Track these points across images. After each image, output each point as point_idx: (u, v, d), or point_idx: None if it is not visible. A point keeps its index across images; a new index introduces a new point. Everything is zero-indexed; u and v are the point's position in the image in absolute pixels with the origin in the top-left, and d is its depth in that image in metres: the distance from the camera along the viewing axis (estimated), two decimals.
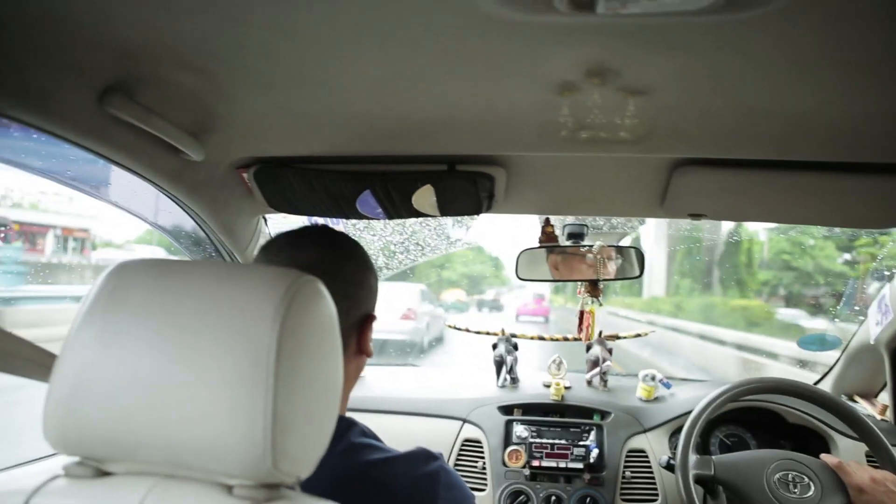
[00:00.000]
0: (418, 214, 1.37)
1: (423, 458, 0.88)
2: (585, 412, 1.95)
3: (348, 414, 0.92)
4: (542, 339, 2.33)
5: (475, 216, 1.40)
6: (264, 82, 0.97)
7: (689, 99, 0.95)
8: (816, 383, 2.11)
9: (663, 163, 1.20)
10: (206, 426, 0.53)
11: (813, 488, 1.44)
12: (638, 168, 1.24)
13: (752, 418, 1.92)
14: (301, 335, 0.57)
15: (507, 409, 1.95)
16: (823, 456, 1.51)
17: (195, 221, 1.43)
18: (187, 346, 0.54)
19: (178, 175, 1.23)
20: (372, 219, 1.41)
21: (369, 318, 0.97)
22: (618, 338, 2.18)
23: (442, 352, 13.34)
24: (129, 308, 0.57)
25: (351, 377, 0.97)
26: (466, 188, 1.27)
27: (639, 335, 2.32)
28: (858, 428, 1.54)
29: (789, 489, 1.44)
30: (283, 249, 0.93)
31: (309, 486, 0.63)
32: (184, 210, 1.39)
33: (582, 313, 1.78)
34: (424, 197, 1.29)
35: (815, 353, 2.30)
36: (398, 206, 1.34)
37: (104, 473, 0.57)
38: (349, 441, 0.87)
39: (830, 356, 2.15)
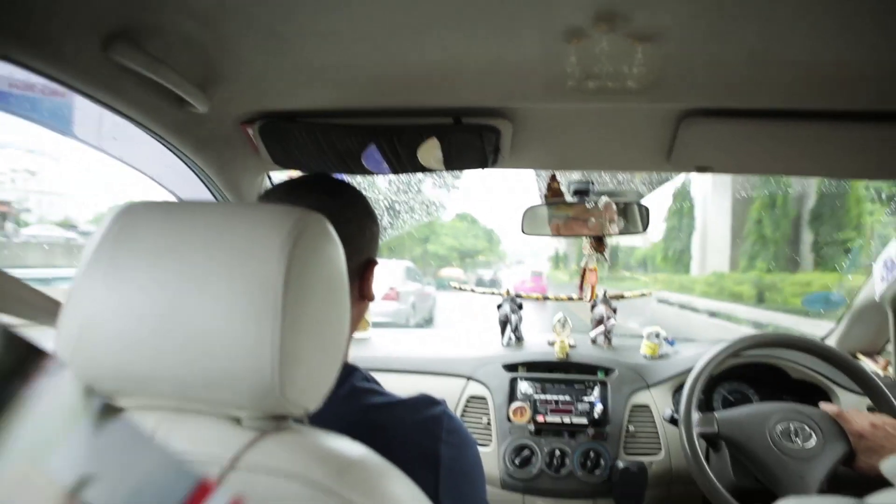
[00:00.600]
0: (423, 169, 1.36)
1: (425, 403, 0.89)
2: (589, 369, 1.97)
3: None
4: (546, 298, 2.34)
5: (481, 169, 1.40)
6: (270, 34, 0.96)
7: (698, 45, 0.93)
8: (822, 340, 2.12)
9: (670, 113, 1.19)
10: (216, 358, 0.54)
11: (815, 437, 1.45)
12: (644, 120, 1.23)
13: (756, 374, 1.93)
14: (308, 269, 0.57)
15: (511, 367, 1.98)
16: (823, 405, 1.52)
17: (200, 179, 1.43)
18: (195, 282, 0.55)
19: (183, 128, 1.23)
20: (377, 174, 1.40)
21: (371, 263, 0.99)
22: (622, 297, 2.18)
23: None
24: (136, 248, 0.57)
25: (354, 321, 0.98)
26: (472, 142, 1.26)
27: (643, 294, 2.32)
28: (859, 379, 1.55)
29: (791, 440, 1.46)
30: (282, 198, 0.94)
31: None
32: (189, 167, 1.39)
33: (584, 271, 1.78)
34: (430, 151, 1.28)
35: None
36: (403, 161, 1.33)
37: None
38: (352, 385, 0.88)
39: None
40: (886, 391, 1.49)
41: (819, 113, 1.14)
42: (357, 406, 0.86)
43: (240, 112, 1.26)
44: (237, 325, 0.54)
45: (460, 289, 2.40)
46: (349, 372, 0.90)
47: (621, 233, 1.63)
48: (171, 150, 1.29)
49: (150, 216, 0.60)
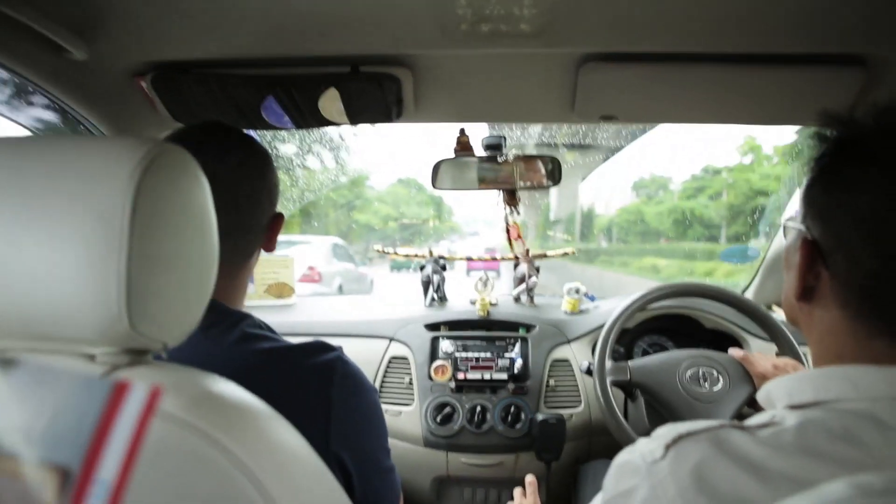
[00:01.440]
0: (327, 122, 1.33)
1: (319, 348, 0.88)
2: (511, 326, 1.98)
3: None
4: (469, 259, 2.34)
5: (385, 122, 1.37)
6: None
7: None
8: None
9: (569, 60, 1.19)
10: (60, 292, 0.52)
11: (721, 381, 1.50)
12: (545, 68, 1.22)
13: (673, 326, 1.98)
14: (161, 201, 0.55)
15: (433, 327, 1.98)
16: (731, 350, 1.57)
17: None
18: (37, 215, 0.52)
19: (63, 77, 1.17)
20: (281, 128, 1.37)
21: (279, 215, 0.99)
22: (545, 256, 2.20)
23: None
24: None
25: (251, 270, 0.99)
26: (372, 91, 1.23)
27: (566, 254, 2.35)
28: (760, 322, 1.60)
29: (700, 384, 1.50)
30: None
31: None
32: (80, 121, 1.33)
33: (509, 228, 1.78)
34: (330, 102, 1.25)
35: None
36: (305, 114, 1.30)
37: None
38: (241, 331, 0.86)
39: None
40: (787, 332, 1.55)
41: (721, 56, 1.14)
42: (246, 351, 0.84)
43: (128, 63, 1.20)
44: (81, 258, 0.51)
45: (384, 252, 2.38)
46: (240, 318, 0.88)
47: (532, 187, 1.64)
48: (54, 102, 1.22)
49: None
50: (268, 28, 1.09)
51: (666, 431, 0.62)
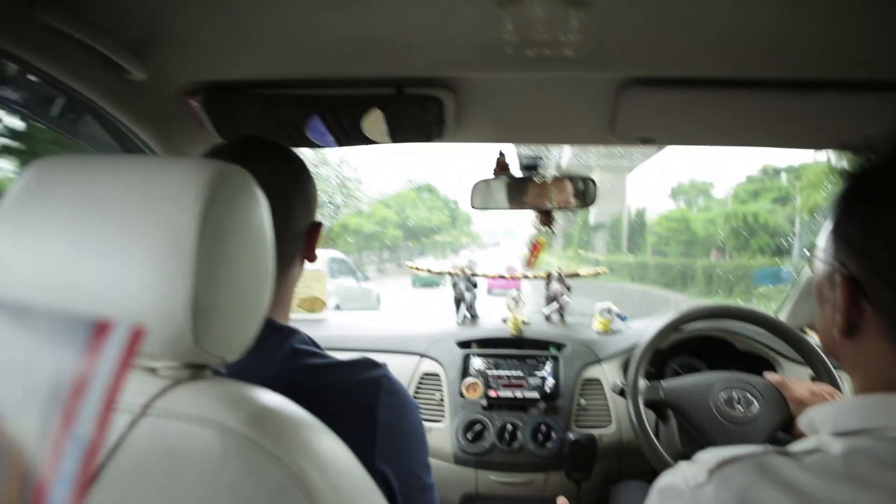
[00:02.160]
0: (369, 141, 1.36)
1: (365, 365, 0.89)
2: (542, 345, 1.99)
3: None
4: (502, 277, 2.35)
5: (427, 142, 1.40)
6: (210, 1, 0.95)
7: (634, 12, 0.94)
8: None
9: (610, 83, 1.20)
10: (127, 307, 0.53)
11: (756, 405, 1.48)
12: (586, 91, 1.24)
13: (705, 348, 1.97)
14: (225, 221, 0.57)
15: (465, 344, 1.99)
16: (766, 374, 1.55)
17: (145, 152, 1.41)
18: (108, 232, 0.54)
19: (120, 97, 1.21)
20: (324, 147, 1.40)
21: (317, 225, 1.00)
22: (577, 275, 2.20)
23: None
24: (48, 201, 0.56)
25: (295, 283, 1.00)
26: (415, 112, 1.26)
27: (597, 273, 2.35)
28: (798, 346, 1.59)
29: (734, 407, 1.49)
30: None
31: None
32: (132, 138, 1.37)
33: (533, 244, 1.79)
34: (374, 122, 1.28)
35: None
36: (348, 133, 1.33)
37: None
38: (290, 346, 0.88)
39: None
40: (823, 357, 1.53)
41: (760, 82, 1.15)
42: (295, 367, 0.86)
43: (181, 82, 1.25)
44: (149, 274, 0.53)
45: (417, 269, 2.39)
46: (289, 333, 0.90)
47: (569, 207, 1.65)
48: (110, 119, 1.26)
49: (65, 170, 0.58)
50: (314, 50, 1.12)
51: (710, 456, 0.62)
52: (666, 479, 0.65)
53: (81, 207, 0.55)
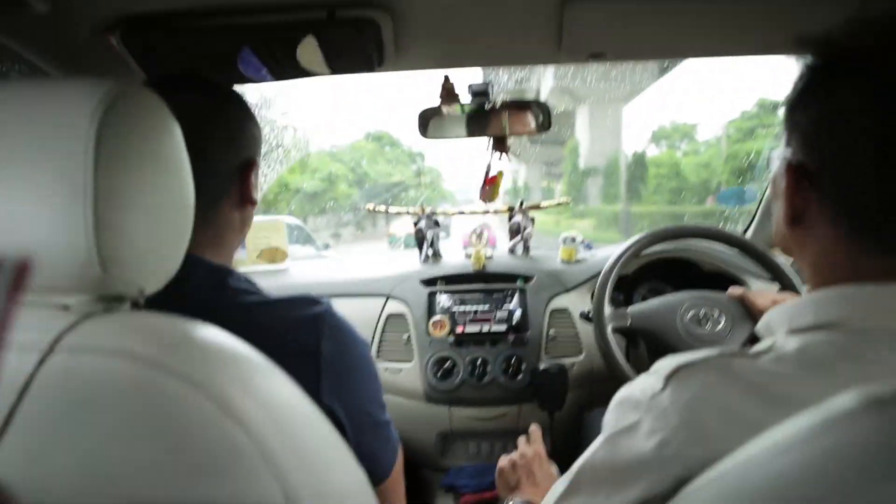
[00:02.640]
0: (307, 73, 1.29)
1: (306, 301, 0.85)
2: (508, 278, 1.96)
3: None
4: (462, 213, 2.31)
5: (367, 72, 1.33)
6: None
7: None
8: None
9: None
10: (29, 240, 0.50)
11: (723, 321, 1.48)
12: (529, 4, 1.18)
13: (672, 271, 1.96)
14: (125, 139, 0.53)
15: (429, 282, 1.96)
16: (730, 289, 1.55)
17: None
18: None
19: (28, 33, 1.12)
20: (260, 81, 1.32)
21: (251, 163, 0.93)
22: (538, 207, 2.17)
23: None
24: None
25: (236, 227, 0.94)
26: (350, 37, 1.19)
27: (559, 204, 2.32)
28: (761, 260, 1.59)
29: (701, 325, 1.49)
30: None
31: None
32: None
33: (490, 176, 1.74)
34: (308, 51, 1.21)
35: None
36: (283, 64, 1.26)
37: None
38: (227, 284, 0.84)
39: None
40: (784, 267, 1.53)
41: None
42: (231, 305, 0.82)
43: (94, 16, 1.15)
44: (47, 203, 0.49)
45: (375, 210, 2.34)
46: (226, 274, 0.86)
47: (522, 133, 1.60)
48: (22, 63, 1.18)
49: None
50: None
51: (665, 364, 0.62)
52: (623, 392, 0.65)
53: None
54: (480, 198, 1.73)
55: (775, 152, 0.69)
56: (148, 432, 0.46)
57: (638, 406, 0.60)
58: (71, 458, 0.45)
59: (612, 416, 0.64)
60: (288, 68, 1.27)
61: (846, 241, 0.59)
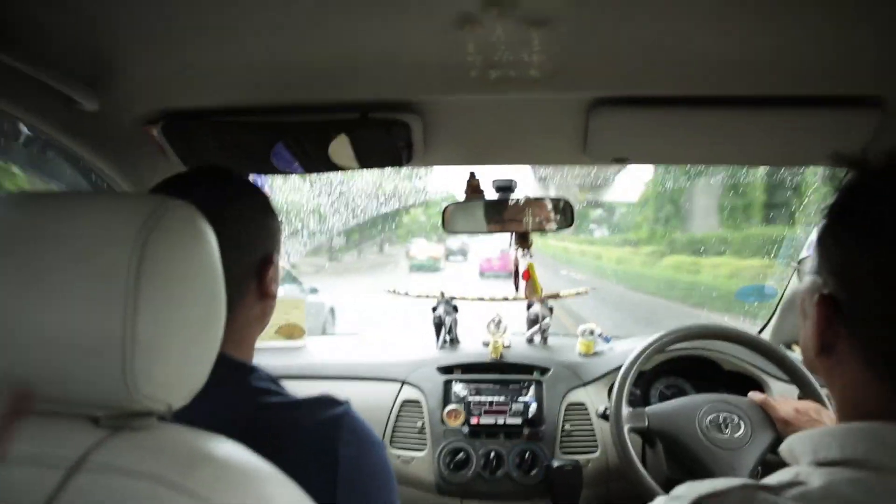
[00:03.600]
0: (336, 167, 1.33)
1: (326, 403, 0.85)
2: (525, 369, 1.94)
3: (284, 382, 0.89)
4: (482, 299, 2.32)
5: (396, 167, 1.37)
6: (158, 31, 0.92)
7: (593, 33, 0.92)
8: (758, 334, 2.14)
9: (579, 103, 1.17)
10: (63, 352, 0.50)
11: (743, 427, 1.46)
12: (555, 111, 1.21)
13: (691, 368, 1.94)
14: (167, 257, 0.54)
15: (446, 370, 1.94)
16: (751, 394, 1.53)
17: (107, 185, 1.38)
18: (41, 276, 0.51)
19: (75, 128, 1.18)
20: (290, 173, 1.37)
21: (269, 258, 0.94)
22: (558, 296, 2.17)
23: None
24: None
25: (254, 321, 0.94)
26: (381, 137, 1.23)
27: (578, 293, 2.32)
28: (782, 365, 1.57)
29: (721, 430, 1.46)
30: (167, 192, 0.89)
31: (202, 427, 0.60)
32: (94, 171, 1.33)
33: (516, 269, 1.75)
34: (340, 148, 1.25)
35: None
36: (314, 159, 1.30)
37: None
38: (249, 385, 0.84)
39: None
40: (808, 374, 1.51)
41: (733, 99, 1.13)
42: (252, 407, 0.82)
43: (137, 111, 1.21)
44: (84, 317, 0.50)
45: (395, 293, 2.35)
46: (248, 372, 0.86)
47: (545, 230, 1.62)
48: (69, 152, 1.23)
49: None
50: (276, 76, 1.10)
51: (685, 492, 0.60)
52: None
53: (10, 247, 0.52)
54: (525, 295, 1.74)
55: (805, 267, 0.68)
56: None
57: None
58: None
59: None
60: (319, 163, 1.31)
61: (878, 383, 0.58)
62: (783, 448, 0.67)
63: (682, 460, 1.47)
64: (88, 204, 0.56)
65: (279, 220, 1.00)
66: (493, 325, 2.00)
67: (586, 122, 1.22)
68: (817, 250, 0.64)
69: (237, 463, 0.55)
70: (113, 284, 0.50)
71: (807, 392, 1.51)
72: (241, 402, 0.82)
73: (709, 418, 1.49)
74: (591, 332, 2.01)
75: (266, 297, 0.94)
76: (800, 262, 0.71)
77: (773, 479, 0.59)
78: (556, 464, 1.65)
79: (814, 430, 0.65)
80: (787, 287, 2.06)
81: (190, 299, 0.57)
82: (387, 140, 1.24)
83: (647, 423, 1.51)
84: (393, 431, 1.82)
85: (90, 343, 0.50)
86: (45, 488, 0.47)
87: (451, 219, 1.61)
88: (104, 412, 0.54)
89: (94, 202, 0.57)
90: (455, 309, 2.12)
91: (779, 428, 1.44)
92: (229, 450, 0.56)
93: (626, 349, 1.87)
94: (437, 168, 1.58)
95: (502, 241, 2.24)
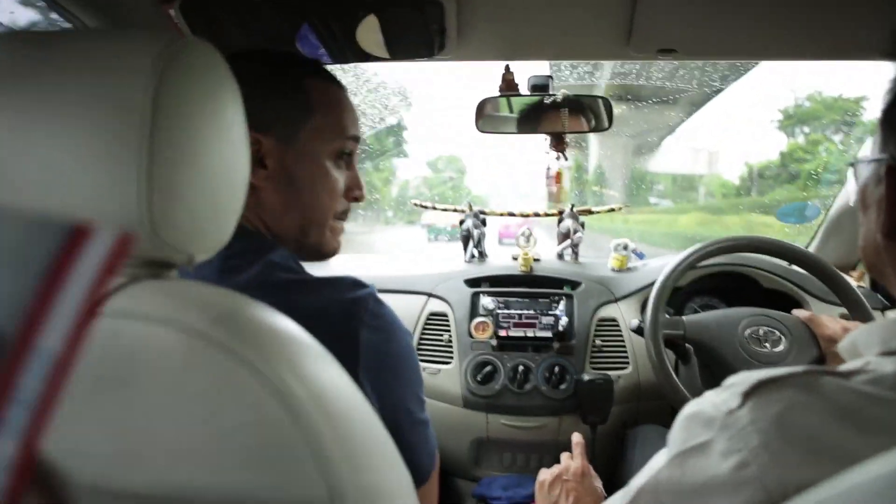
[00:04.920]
0: (366, 57, 1.25)
1: (349, 283, 0.80)
2: (555, 283, 1.89)
3: None
4: (511, 214, 2.24)
5: (428, 59, 1.28)
6: None
7: None
8: None
9: None
10: (77, 194, 0.47)
11: (784, 342, 1.40)
12: None
13: (727, 286, 1.87)
14: (185, 94, 0.50)
15: (473, 282, 1.90)
16: (795, 311, 1.47)
17: None
18: (51, 112, 0.47)
19: (92, 3, 1.11)
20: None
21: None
22: (590, 212, 2.10)
23: None
24: None
25: (273, 208, 0.87)
26: (413, 19, 1.14)
27: (612, 209, 2.24)
28: (831, 280, 1.48)
29: (761, 344, 1.41)
30: None
31: None
32: None
33: (556, 173, 1.67)
34: (369, 31, 1.17)
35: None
36: (342, 46, 1.22)
37: None
38: (269, 259, 0.79)
39: None
40: (859, 294, 1.43)
41: None
42: (270, 281, 0.77)
43: None
44: (99, 156, 0.46)
45: (422, 206, 2.29)
46: (270, 247, 0.82)
47: (583, 130, 1.53)
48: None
49: (4, 47, 0.51)
50: None
51: (740, 379, 0.55)
52: (693, 406, 0.58)
53: (18, 83, 0.48)
54: (549, 198, 1.67)
55: (862, 157, 0.62)
56: (192, 411, 0.44)
57: (710, 423, 0.54)
58: (107, 430, 0.43)
59: (680, 434, 0.58)
60: (347, 49, 1.24)
61: None
62: (843, 344, 0.62)
63: (718, 374, 1.41)
64: (99, 38, 0.52)
65: (303, 95, 0.91)
66: (523, 237, 1.93)
67: (633, 6, 1.11)
68: (883, 125, 0.58)
69: (274, 325, 0.51)
70: (129, 119, 0.46)
71: (856, 311, 1.43)
72: (260, 276, 0.77)
73: (749, 331, 1.43)
74: (625, 247, 1.94)
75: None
76: (854, 164, 0.64)
77: (839, 367, 0.54)
78: (586, 378, 1.61)
79: (881, 320, 0.59)
80: (831, 205, 1.96)
81: (210, 141, 0.53)
82: (419, 23, 1.15)
83: (683, 331, 1.46)
84: (419, 344, 1.79)
85: (106, 182, 0.46)
86: None
87: (482, 117, 1.52)
88: None
89: (105, 37, 0.52)
90: (484, 223, 2.06)
91: (822, 346, 1.38)
92: (265, 311, 0.52)
93: (660, 265, 1.81)
94: None
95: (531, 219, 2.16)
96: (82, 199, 0.47)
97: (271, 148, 0.85)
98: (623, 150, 10.74)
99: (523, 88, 1.49)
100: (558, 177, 1.63)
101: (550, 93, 1.49)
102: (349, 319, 0.76)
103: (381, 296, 0.82)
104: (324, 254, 0.95)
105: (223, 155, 0.54)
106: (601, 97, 1.51)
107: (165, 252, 0.51)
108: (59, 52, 0.49)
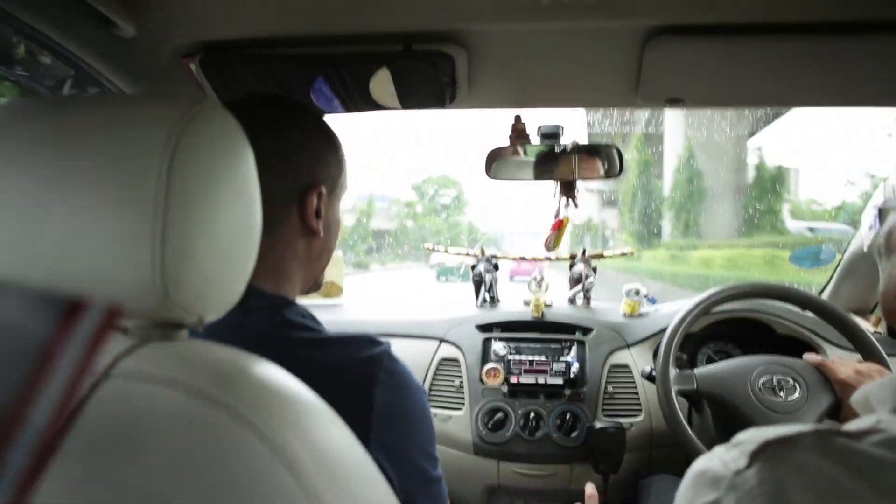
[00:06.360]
0: (378, 106, 1.27)
1: (364, 342, 0.80)
2: (566, 328, 1.89)
3: None
4: (523, 259, 2.25)
5: (439, 107, 1.30)
6: None
7: None
8: None
9: (634, 34, 1.08)
10: (91, 257, 0.48)
11: (799, 389, 1.38)
12: (609, 44, 1.13)
13: (741, 332, 1.85)
14: (200, 159, 0.51)
15: (485, 328, 1.90)
16: (806, 355, 1.45)
17: None
18: (69, 176, 0.48)
19: (113, 55, 1.15)
20: (331, 112, 1.32)
21: (314, 186, 0.87)
22: (602, 256, 2.10)
23: None
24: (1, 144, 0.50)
25: (300, 257, 0.89)
26: (425, 72, 1.17)
27: (623, 254, 2.24)
28: (843, 326, 1.47)
29: (775, 393, 1.38)
30: None
31: None
32: None
33: (556, 220, 1.68)
34: (382, 83, 1.19)
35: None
36: (355, 96, 1.24)
37: None
38: (284, 317, 0.80)
39: None
40: (872, 338, 1.41)
41: (809, 26, 1.01)
42: (285, 339, 0.78)
43: (174, 41, 1.17)
44: (114, 220, 0.47)
45: (434, 250, 2.30)
46: (284, 304, 0.82)
47: (594, 177, 1.54)
48: (103, 81, 1.20)
49: (23, 112, 0.52)
50: (316, 4, 1.04)
51: (749, 437, 0.54)
52: (701, 464, 0.57)
53: (36, 154, 0.49)
54: (546, 246, 1.67)
55: (889, 203, 0.62)
56: (195, 471, 0.44)
57: (717, 483, 0.53)
58: (113, 491, 0.43)
59: (687, 492, 0.57)
60: (359, 100, 1.26)
61: None
62: (857, 397, 0.61)
63: (733, 425, 1.39)
64: (116, 105, 0.53)
65: (339, 151, 0.94)
66: (535, 283, 1.93)
67: (641, 56, 1.13)
68: None
69: (279, 384, 0.52)
70: (144, 184, 0.47)
71: (868, 354, 1.42)
72: (275, 334, 0.78)
73: (762, 380, 1.41)
74: (637, 293, 1.94)
75: (310, 233, 0.88)
76: (881, 210, 0.62)
77: (849, 426, 0.53)
78: (598, 425, 1.59)
79: (890, 376, 0.58)
80: (846, 249, 1.95)
81: (223, 205, 0.54)
82: (430, 75, 1.18)
83: (695, 385, 1.44)
84: (430, 389, 1.78)
85: (120, 249, 0.47)
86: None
87: (493, 164, 1.54)
88: (133, 323, 0.52)
89: (122, 103, 0.54)
90: (496, 267, 2.07)
91: (837, 391, 1.36)
92: (270, 370, 0.53)
93: (673, 310, 1.79)
94: None
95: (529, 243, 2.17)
96: (97, 262, 0.48)
97: (324, 198, 0.88)
98: None
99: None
100: (558, 224, 1.63)
101: (559, 141, 1.50)
102: (363, 378, 0.76)
103: (394, 340, 0.83)
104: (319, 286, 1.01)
105: (236, 217, 0.56)
106: (612, 146, 1.52)
107: (176, 313, 0.51)
108: (77, 118, 0.51)
